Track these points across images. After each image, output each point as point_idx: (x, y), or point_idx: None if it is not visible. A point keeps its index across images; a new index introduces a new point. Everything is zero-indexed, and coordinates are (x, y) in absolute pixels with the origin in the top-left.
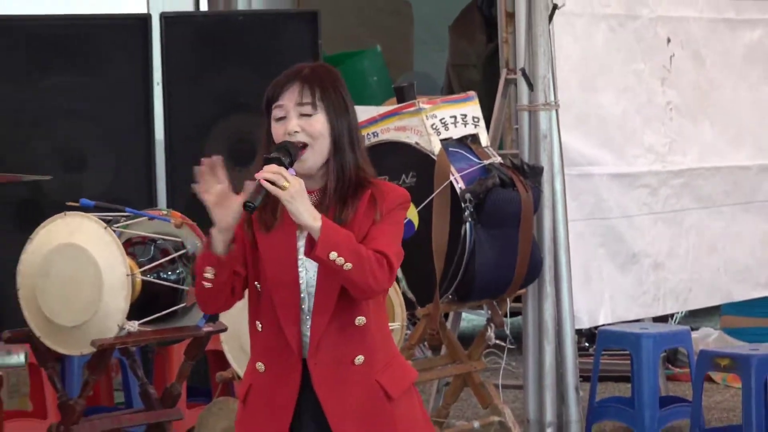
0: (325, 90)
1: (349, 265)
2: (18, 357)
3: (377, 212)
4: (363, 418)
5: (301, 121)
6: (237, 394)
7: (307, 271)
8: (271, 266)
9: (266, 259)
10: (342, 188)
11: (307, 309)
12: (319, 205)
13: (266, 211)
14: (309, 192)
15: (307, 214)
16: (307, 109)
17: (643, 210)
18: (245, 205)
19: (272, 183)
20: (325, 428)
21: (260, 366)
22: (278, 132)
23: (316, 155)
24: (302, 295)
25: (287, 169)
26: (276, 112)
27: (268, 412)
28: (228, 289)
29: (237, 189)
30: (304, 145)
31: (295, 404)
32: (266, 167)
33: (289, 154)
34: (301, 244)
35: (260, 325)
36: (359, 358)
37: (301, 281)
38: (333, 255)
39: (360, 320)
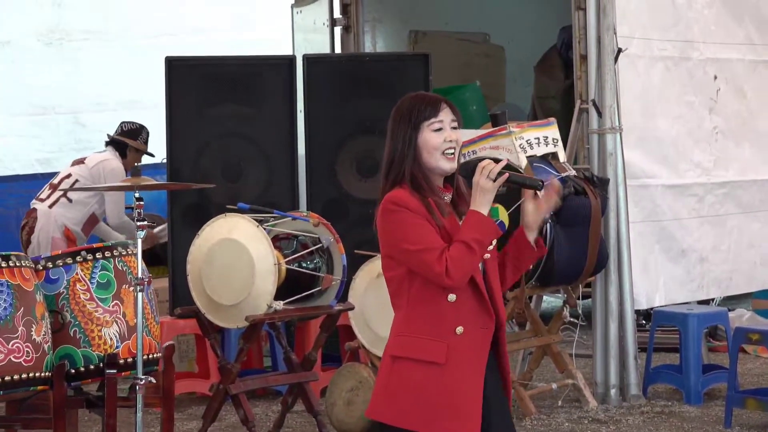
0: (457, 112)
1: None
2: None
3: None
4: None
5: (454, 133)
6: (426, 359)
7: None
8: None
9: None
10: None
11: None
12: (454, 199)
13: (438, 206)
14: (446, 190)
15: None
16: (455, 125)
17: (692, 214)
18: (538, 186)
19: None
20: (498, 370)
21: (460, 329)
22: (437, 139)
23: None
24: None
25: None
26: (435, 125)
27: (471, 364)
28: None
29: (360, 194)
30: (454, 150)
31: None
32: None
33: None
34: None
35: (454, 297)
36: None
37: None
38: None
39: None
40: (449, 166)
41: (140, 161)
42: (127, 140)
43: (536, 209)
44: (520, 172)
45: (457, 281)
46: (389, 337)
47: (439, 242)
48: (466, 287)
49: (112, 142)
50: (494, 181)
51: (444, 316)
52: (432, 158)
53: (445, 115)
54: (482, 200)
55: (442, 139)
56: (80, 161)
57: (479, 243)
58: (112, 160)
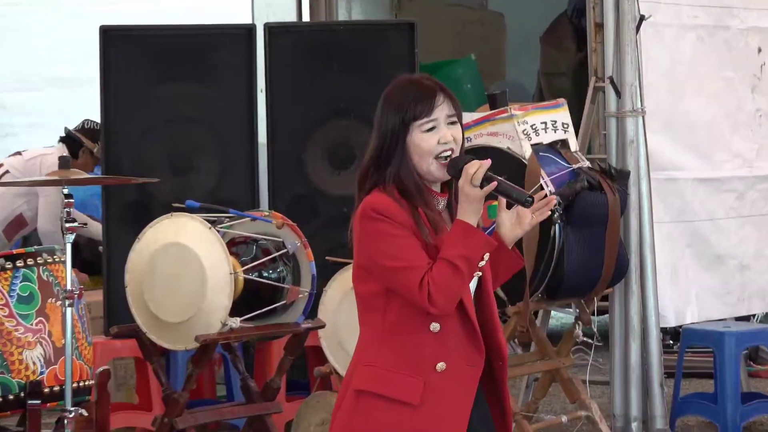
0: (457, 102)
1: None
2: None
3: None
4: None
5: (450, 130)
6: (396, 397)
7: None
8: None
9: None
10: None
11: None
12: (451, 204)
13: (429, 218)
14: (442, 195)
15: None
16: (454, 119)
17: (730, 213)
18: (528, 199)
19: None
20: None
21: (441, 366)
22: (429, 142)
23: None
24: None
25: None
26: (427, 125)
27: (451, 407)
28: None
29: (333, 190)
30: (451, 152)
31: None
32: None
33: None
34: None
35: (438, 327)
36: None
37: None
38: None
39: None
40: (442, 173)
41: (92, 170)
42: (84, 139)
43: (516, 223)
44: (518, 156)
45: (442, 307)
46: (352, 362)
47: (423, 260)
48: (454, 315)
49: (66, 138)
50: (481, 188)
51: (423, 348)
52: (423, 163)
53: (440, 111)
54: (469, 209)
55: (435, 141)
56: (19, 153)
57: (466, 260)
58: (55, 155)
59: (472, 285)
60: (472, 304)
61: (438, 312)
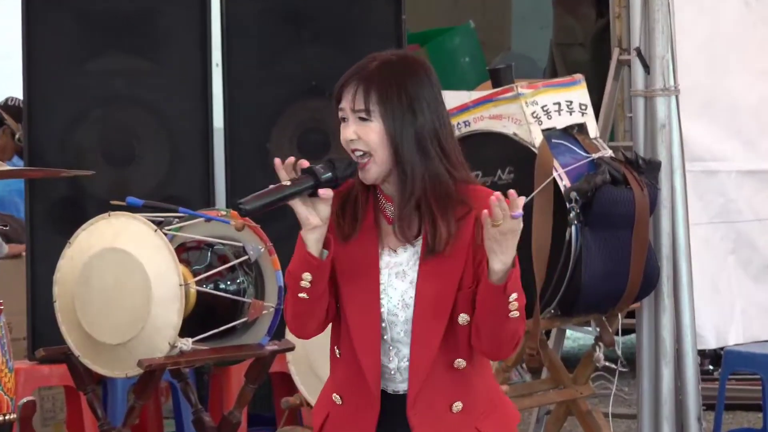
0: (385, 91)
1: None
2: None
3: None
4: None
5: (358, 127)
6: (312, 424)
7: (390, 298)
8: (348, 285)
9: (343, 275)
10: (414, 202)
11: (390, 339)
12: (399, 220)
13: (346, 217)
14: (388, 199)
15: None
16: (362, 115)
17: None
18: (237, 205)
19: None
20: None
21: (337, 398)
22: (343, 135)
23: (378, 165)
24: (383, 324)
25: (330, 186)
26: (339, 113)
27: None
28: (324, 305)
29: None
30: (364, 154)
31: None
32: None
33: (333, 168)
34: (386, 262)
35: (338, 352)
36: (457, 405)
37: (382, 308)
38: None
39: (459, 363)
40: (359, 174)
41: (11, 159)
42: (7, 117)
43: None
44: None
45: (293, 328)
46: None
47: None
48: (347, 341)
49: None
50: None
51: (333, 376)
52: None
53: (346, 101)
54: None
55: (344, 135)
56: None
57: (290, 275)
58: None
59: (402, 312)
60: (364, 335)
61: (294, 334)
